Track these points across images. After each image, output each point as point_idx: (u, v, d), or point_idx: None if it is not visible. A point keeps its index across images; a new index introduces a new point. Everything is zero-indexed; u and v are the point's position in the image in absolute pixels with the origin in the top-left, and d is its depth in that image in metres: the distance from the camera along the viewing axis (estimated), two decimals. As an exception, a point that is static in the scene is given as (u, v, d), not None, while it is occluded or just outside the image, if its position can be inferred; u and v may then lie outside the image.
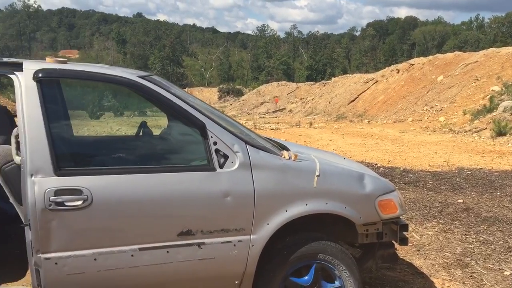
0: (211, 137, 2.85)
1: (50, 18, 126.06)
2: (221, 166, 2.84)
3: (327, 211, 3.07)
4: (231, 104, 42.81)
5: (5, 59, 2.76)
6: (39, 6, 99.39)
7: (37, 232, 2.53)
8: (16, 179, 2.59)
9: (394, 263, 4.02)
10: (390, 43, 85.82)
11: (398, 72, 27.61)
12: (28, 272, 2.65)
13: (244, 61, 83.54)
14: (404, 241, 3.42)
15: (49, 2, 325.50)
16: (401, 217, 3.44)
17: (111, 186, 2.66)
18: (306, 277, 3.11)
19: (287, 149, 3.48)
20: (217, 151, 2.85)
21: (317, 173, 3.06)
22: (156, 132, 3.86)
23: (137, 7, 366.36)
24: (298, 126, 20.07)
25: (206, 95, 52.19)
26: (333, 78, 36.23)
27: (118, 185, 2.67)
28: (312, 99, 32.13)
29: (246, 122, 21.74)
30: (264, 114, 33.04)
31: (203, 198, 2.80)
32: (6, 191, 2.67)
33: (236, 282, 2.97)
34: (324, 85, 34.21)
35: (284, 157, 3.08)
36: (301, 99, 34.19)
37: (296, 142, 13.46)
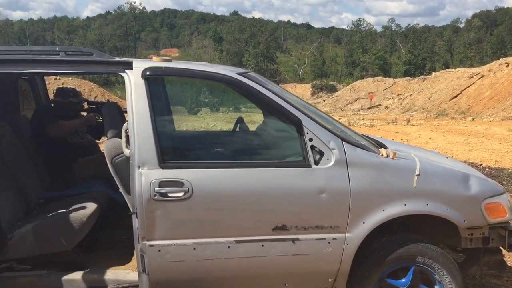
0: (307, 133, 2.85)
1: (153, 18, 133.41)
2: (316, 163, 2.83)
3: (427, 212, 2.95)
4: (324, 101, 42.39)
5: (117, 59, 2.97)
6: (144, 7, 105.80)
7: (143, 220, 2.70)
8: (125, 170, 2.78)
9: (501, 271, 3.75)
10: (498, 34, 79.71)
11: (507, 66, 25.57)
12: (134, 257, 2.83)
13: (338, 57, 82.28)
14: None
15: (153, 3, 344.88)
16: (510, 222, 3.20)
17: (210, 180, 2.76)
18: (403, 280, 3.01)
19: (385, 147, 3.38)
20: (312, 147, 2.84)
21: (417, 172, 2.94)
22: (252, 128, 3.95)
23: (233, 5, 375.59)
24: (394, 123, 19.35)
25: (299, 91, 52.13)
26: (433, 73, 34.47)
27: (217, 178, 2.77)
28: (410, 95, 30.81)
29: (339, 119, 21.41)
30: (358, 111, 32.30)
31: (298, 194, 2.81)
32: (116, 181, 2.87)
33: (330, 280, 2.95)
34: (424, 80, 32.65)
35: (382, 155, 2.99)
36: (398, 95, 32.94)
37: (393, 139, 13.01)
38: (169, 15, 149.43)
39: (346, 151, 2.88)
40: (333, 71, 78.02)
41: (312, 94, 49.73)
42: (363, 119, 22.28)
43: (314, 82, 54.80)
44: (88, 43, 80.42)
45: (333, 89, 48.40)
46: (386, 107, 31.86)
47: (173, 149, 3.01)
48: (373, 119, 22.30)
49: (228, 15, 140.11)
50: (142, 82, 2.80)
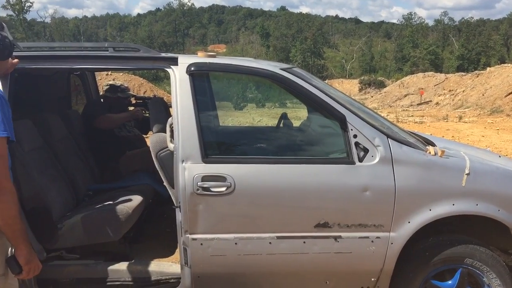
0: (351, 129, 2.80)
1: (201, 15, 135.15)
2: (360, 160, 2.78)
3: (477, 213, 2.84)
4: (372, 96, 41.55)
5: (163, 54, 3.03)
6: (193, 4, 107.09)
7: (186, 214, 2.75)
8: (170, 165, 2.82)
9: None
10: (559, 27, 75.47)
11: None
12: (177, 250, 2.88)
13: (387, 52, 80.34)
14: None
15: (201, 0, 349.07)
16: None
17: (253, 175, 2.77)
18: (449, 282, 2.92)
19: (433, 144, 3.27)
20: (357, 144, 2.79)
21: (466, 171, 2.83)
22: (296, 123, 3.92)
23: (280, 0, 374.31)
24: (445, 120, 18.71)
25: (347, 87, 51.37)
26: (488, 68, 33.04)
27: (259, 174, 2.77)
28: (463, 91, 29.67)
29: (387, 115, 20.94)
30: (408, 107, 31.46)
31: (341, 191, 2.77)
32: (160, 174, 2.93)
33: (373, 279, 2.90)
34: (477, 76, 31.36)
35: (430, 152, 2.90)
36: (449, 91, 31.78)
37: (443, 137, 12.60)
38: (217, 11, 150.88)
39: (392, 148, 2.81)
40: (382, 67, 76.28)
41: (360, 90, 48.85)
42: (412, 116, 21.69)
43: (362, 78, 53.77)
44: (138, 40, 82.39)
45: (381, 85, 47.34)
46: (437, 103, 30.86)
47: (217, 144, 3.04)
48: (423, 116, 21.67)
49: (276, 11, 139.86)
50: (187, 77, 2.83)
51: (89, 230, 3.08)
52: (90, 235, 3.08)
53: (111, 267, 3.02)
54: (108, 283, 2.98)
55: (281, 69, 2.95)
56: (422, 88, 34.75)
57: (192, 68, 2.85)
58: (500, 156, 3.59)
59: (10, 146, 2.30)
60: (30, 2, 76.76)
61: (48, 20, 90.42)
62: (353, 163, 2.79)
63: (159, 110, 3.23)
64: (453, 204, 2.80)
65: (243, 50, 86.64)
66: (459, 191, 2.81)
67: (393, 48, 78.94)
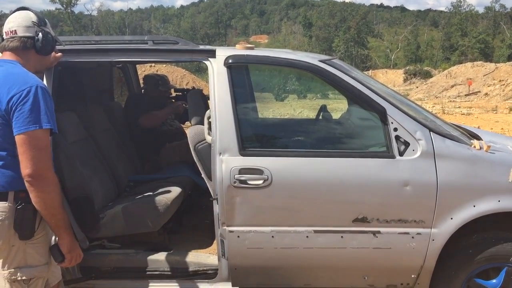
0: (392, 122, 2.73)
1: (243, 5, 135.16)
2: (401, 154, 2.71)
3: None
4: (417, 87, 40.42)
5: (201, 47, 3.04)
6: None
7: (223, 206, 2.76)
8: (207, 157, 2.84)
9: None
10: None
11: None
12: (215, 242, 2.91)
13: (434, 41, 77.83)
14: None
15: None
16: None
17: (290, 168, 2.75)
18: (494, 281, 2.81)
19: (479, 138, 3.15)
20: (397, 137, 2.73)
21: (514, 167, 2.70)
22: (336, 116, 3.86)
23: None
24: (494, 112, 17.98)
25: (391, 77, 50.22)
26: (542, 57, 31.52)
27: (296, 167, 2.75)
28: (514, 81, 28.44)
29: (433, 106, 20.35)
30: (455, 98, 30.43)
31: (380, 186, 2.72)
32: (198, 167, 2.96)
33: (413, 276, 2.84)
34: (530, 65, 29.99)
35: (474, 147, 2.79)
36: (500, 81, 30.48)
37: (492, 129, 12.12)
38: (259, 1, 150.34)
39: (434, 142, 2.72)
40: (428, 56, 74.02)
41: (405, 80, 47.63)
42: (459, 107, 20.97)
43: (407, 68, 52.36)
44: (181, 31, 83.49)
45: (427, 75, 45.97)
46: (486, 94, 29.70)
47: (254, 137, 3.04)
48: (470, 107, 20.90)
49: (319, 0, 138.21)
50: (224, 70, 2.84)
51: (129, 221, 3.15)
52: (130, 225, 3.16)
53: (150, 257, 3.08)
54: (147, 273, 3.04)
55: (319, 60, 2.91)
56: (471, 78, 33.50)
57: (230, 61, 2.84)
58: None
59: (54, 137, 2.38)
60: (77, -4, 78.97)
61: (94, 13, 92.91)
62: (393, 157, 2.72)
63: (198, 103, 3.25)
64: (499, 201, 2.69)
65: (285, 41, 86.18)
66: (505, 187, 2.70)
67: (440, 37, 76.40)
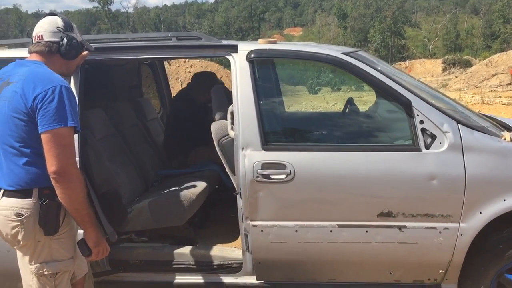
0: (417, 115, 2.67)
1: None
2: (427, 147, 2.65)
3: None
4: (456, 77, 39.21)
5: (224, 42, 3.05)
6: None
7: (246, 201, 2.77)
8: (231, 152, 2.86)
9: None
10: None
11: None
12: (240, 236, 2.92)
13: (474, 29, 75.27)
14: None
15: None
16: None
17: (313, 162, 2.73)
18: (525, 277, 2.71)
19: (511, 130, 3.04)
20: (423, 130, 2.66)
21: (546, 159, 2.60)
22: (364, 109, 3.81)
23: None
24: (537, 101, 17.30)
25: (429, 67, 48.96)
26: None
27: (320, 161, 2.73)
28: (559, 69, 27.25)
29: (472, 96, 19.72)
30: (496, 87, 29.40)
31: (406, 180, 2.67)
32: (223, 161, 2.98)
33: (440, 272, 2.77)
34: None
35: (505, 139, 2.69)
36: (544, 69, 29.30)
37: (533, 119, 11.67)
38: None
39: (462, 134, 2.65)
40: (469, 45, 71.67)
41: (443, 70, 46.34)
42: (500, 97, 20.25)
43: (445, 57, 50.85)
44: (215, 26, 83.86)
45: (467, 64, 44.52)
46: (530, 83, 28.58)
47: (277, 131, 3.03)
48: (512, 97, 20.17)
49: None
50: (246, 64, 2.84)
51: (156, 215, 3.21)
52: (157, 219, 3.21)
53: (176, 251, 3.13)
54: (174, 266, 3.09)
55: (343, 53, 2.87)
56: (513, 67, 32.29)
57: (252, 55, 2.84)
58: None
59: (83, 134, 2.45)
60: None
61: (130, 10, 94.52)
62: (419, 150, 2.66)
63: (221, 98, 3.26)
64: None
65: (319, 33, 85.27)
66: None
67: (481, 24, 73.86)
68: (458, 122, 2.68)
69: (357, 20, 76.75)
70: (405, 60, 56.48)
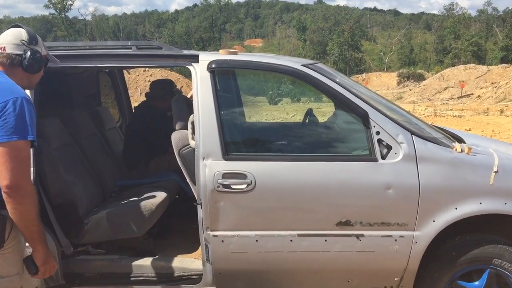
0: (374, 126, 2.75)
1: (238, 9, 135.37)
2: (383, 157, 2.73)
3: (505, 212, 2.73)
4: (410, 90, 40.54)
5: (185, 52, 3.04)
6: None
7: (207, 211, 2.76)
8: (192, 162, 2.85)
9: None
10: None
11: None
12: (200, 247, 2.91)
13: (427, 44, 78.16)
14: None
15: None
16: None
17: (274, 172, 2.76)
18: (476, 283, 2.82)
19: (462, 141, 3.17)
20: (379, 141, 2.74)
21: (494, 169, 2.72)
22: (322, 120, 3.88)
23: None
24: (486, 114, 18.10)
25: (385, 80, 50.39)
26: (533, 59, 31.70)
27: (280, 171, 2.76)
28: (506, 83, 28.52)
29: (425, 109, 20.43)
30: (448, 100, 30.58)
31: (363, 189, 2.73)
32: (183, 171, 2.96)
33: (396, 279, 2.84)
34: (522, 68, 30.19)
35: (456, 149, 2.81)
36: (492, 83, 30.65)
37: (483, 131, 12.19)
38: (254, 5, 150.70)
39: (416, 145, 2.74)
40: (422, 59, 74.32)
41: (398, 83, 47.82)
42: (451, 109, 21.08)
43: (400, 71, 52.53)
44: (176, 36, 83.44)
45: (420, 78, 46.14)
46: (479, 97, 29.87)
47: (238, 141, 3.05)
48: (462, 109, 21.02)
49: (312, 4, 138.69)
50: (207, 74, 2.85)
51: (114, 226, 3.15)
52: (115, 230, 3.15)
53: (135, 262, 3.07)
54: (132, 278, 3.04)
55: (302, 65, 2.92)
56: (463, 81, 33.70)
57: (213, 65, 2.85)
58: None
59: (37, 143, 2.37)
60: (71, 1, 78.91)
61: (88, 18, 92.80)
62: (375, 160, 2.73)
63: (182, 108, 3.25)
64: (481, 203, 2.70)
65: (279, 45, 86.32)
66: (487, 189, 2.71)
67: (434, 39, 76.80)
68: (412, 133, 2.77)
69: (316, 33, 78.25)
70: (362, 73, 57.94)
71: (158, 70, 25.91)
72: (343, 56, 72.35)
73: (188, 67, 2.92)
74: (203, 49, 74.99)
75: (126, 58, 3.00)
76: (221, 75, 2.95)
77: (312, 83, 2.87)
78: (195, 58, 2.91)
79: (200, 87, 2.84)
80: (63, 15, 79.38)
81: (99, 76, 4.51)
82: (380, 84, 49.03)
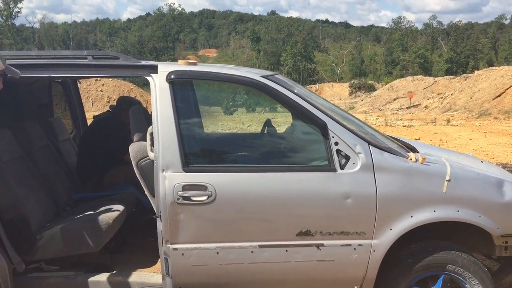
0: (333, 137, 2.79)
1: (192, 19, 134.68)
2: (342, 167, 2.77)
3: (458, 219, 2.84)
4: (362, 100, 41.68)
5: (143, 62, 3.00)
6: (183, 9, 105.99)
7: (166, 224, 2.72)
8: (150, 174, 2.80)
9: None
10: (546, 30, 76.14)
11: (555, 63, 24.37)
12: (159, 260, 2.85)
13: (377, 55, 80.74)
14: None
15: (191, 4, 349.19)
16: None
17: (234, 184, 2.75)
18: (432, 288, 2.91)
19: (416, 151, 3.27)
20: (338, 151, 2.79)
21: (447, 178, 2.83)
22: (280, 130, 3.90)
23: (270, 5, 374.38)
24: (433, 124, 18.83)
25: (337, 91, 51.56)
26: (476, 71, 33.28)
27: (240, 182, 2.75)
28: (451, 94, 29.83)
29: (377, 119, 21.03)
30: (397, 110, 31.61)
31: (322, 199, 2.76)
32: (142, 184, 2.90)
33: (356, 287, 2.89)
34: (466, 79, 31.57)
35: (411, 159, 2.90)
36: (438, 94, 31.97)
37: (431, 140, 12.66)
38: (208, 15, 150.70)
39: (373, 155, 2.80)
40: (372, 70, 76.66)
41: (350, 94, 49.05)
42: (401, 119, 21.79)
43: (352, 82, 53.96)
44: (128, 45, 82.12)
45: (371, 89, 47.57)
46: (426, 107, 31.05)
47: (197, 152, 3.01)
48: (411, 119, 21.78)
49: (266, 15, 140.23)
50: (166, 85, 2.81)
51: (69, 241, 3.04)
52: (70, 246, 3.04)
53: (91, 279, 2.97)
54: None
55: (262, 76, 2.94)
56: (411, 92, 34.96)
57: (172, 76, 2.83)
58: (482, 161, 3.60)
59: None
60: (19, 8, 76.27)
61: (37, 25, 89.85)
62: (334, 170, 2.77)
63: (140, 119, 3.19)
64: (434, 211, 2.80)
65: (233, 55, 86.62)
66: (440, 197, 2.81)
67: (383, 51, 79.38)
68: (369, 143, 2.84)
69: (270, 43, 79.11)
70: (316, 83, 59.02)
71: (110, 80, 25.40)
72: (297, 66, 73.56)
73: (147, 77, 2.88)
74: (157, 58, 74.13)
75: (82, 68, 2.92)
76: (180, 85, 2.92)
77: (271, 94, 2.89)
78: (154, 69, 2.87)
79: (159, 98, 2.80)
80: (9, 22, 76.53)
81: (52, 86, 4.37)
82: (333, 94, 50.11)
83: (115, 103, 4.59)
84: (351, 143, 2.80)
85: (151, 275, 3.04)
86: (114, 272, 3.06)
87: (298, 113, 2.93)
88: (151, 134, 2.85)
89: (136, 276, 3.03)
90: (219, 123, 16.12)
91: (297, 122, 3.40)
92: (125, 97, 4.69)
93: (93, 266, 3.12)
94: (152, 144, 2.83)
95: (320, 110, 2.86)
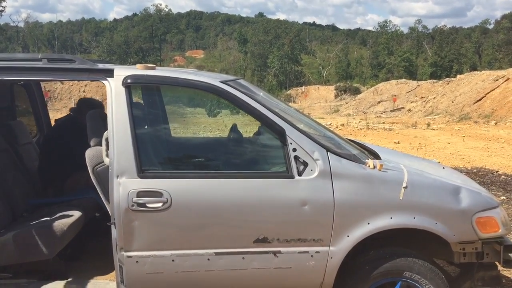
0: (291, 143, 2.77)
1: (179, 20, 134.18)
2: (300, 174, 2.75)
3: (414, 226, 2.83)
4: (347, 103, 41.87)
5: (100, 66, 2.95)
6: (170, 9, 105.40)
7: (120, 231, 2.67)
8: (106, 179, 2.75)
9: (495, 287, 3.57)
10: (529, 36, 77.10)
11: (535, 68, 24.73)
12: None
13: (363, 59, 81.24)
14: (509, 263, 3.03)
15: (178, 5, 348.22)
16: (506, 236, 3.05)
17: (190, 190, 2.71)
18: (390, 295, 2.90)
19: (377, 156, 3.27)
20: (296, 158, 2.77)
21: (404, 185, 2.83)
22: (246, 135, 3.87)
23: (257, 7, 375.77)
24: (414, 127, 18.97)
25: (323, 93, 51.76)
26: (458, 76, 33.68)
27: (196, 189, 2.72)
28: (434, 98, 30.12)
29: (359, 122, 21.13)
30: (381, 114, 31.83)
31: (280, 206, 2.74)
32: (97, 189, 2.85)
33: (313, 294, 2.87)
34: (448, 83, 31.88)
35: (369, 166, 2.89)
36: (421, 98, 32.26)
37: (410, 144, 12.74)
38: (195, 16, 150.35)
39: (331, 162, 2.79)
40: (358, 73, 77.07)
41: (336, 96, 49.29)
42: (383, 123, 21.93)
43: (337, 84, 54.23)
44: (114, 45, 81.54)
45: (357, 91, 47.82)
46: (409, 110, 31.30)
47: (154, 158, 2.96)
48: (393, 123, 21.93)
49: (253, 17, 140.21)
50: (122, 90, 2.77)
51: (21, 248, 2.97)
52: (22, 253, 2.98)
53: (44, 286, 2.91)
54: None
55: (221, 81, 2.90)
56: (395, 95, 35.22)
57: (128, 81, 2.78)
58: (444, 168, 3.60)
59: None
60: (2, 6, 75.25)
61: (21, 24, 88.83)
62: (292, 177, 2.75)
63: (97, 123, 3.14)
64: (391, 218, 2.79)
65: (221, 56, 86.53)
66: (396, 204, 2.80)
67: (369, 55, 79.91)
68: (328, 150, 2.83)
69: (257, 45, 79.10)
70: (302, 86, 59.19)
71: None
72: (283, 69, 73.65)
73: (103, 81, 2.83)
74: (143, 59, 73.70)
75: (35, 72, 2.86)
76: (144, 90, 2.89)
77: (229, 100, 2.86)
78: (110, 73, 2.83)
79: (114, 102, 2.75)
80: (-8, 21, 75.58)
81: (13, 88, 4.28)
82: (319, 96, 50.31)
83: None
84: (309, 149, 2.78)
85: (106, 283, 3.00)
86: (69, 280, 3.01)
87: (257, 119, 2.90)
88: (107, 140, 2.80)
89: (91, 285, 2.98)
90: (201, 125, 16.04)
91: (262, 128, 3.38)
92: (85, 99, 4.59)
93: (47, 273, 3.07)
94: (107, 149, 2.78)
95: (279, 117, 2.84)
